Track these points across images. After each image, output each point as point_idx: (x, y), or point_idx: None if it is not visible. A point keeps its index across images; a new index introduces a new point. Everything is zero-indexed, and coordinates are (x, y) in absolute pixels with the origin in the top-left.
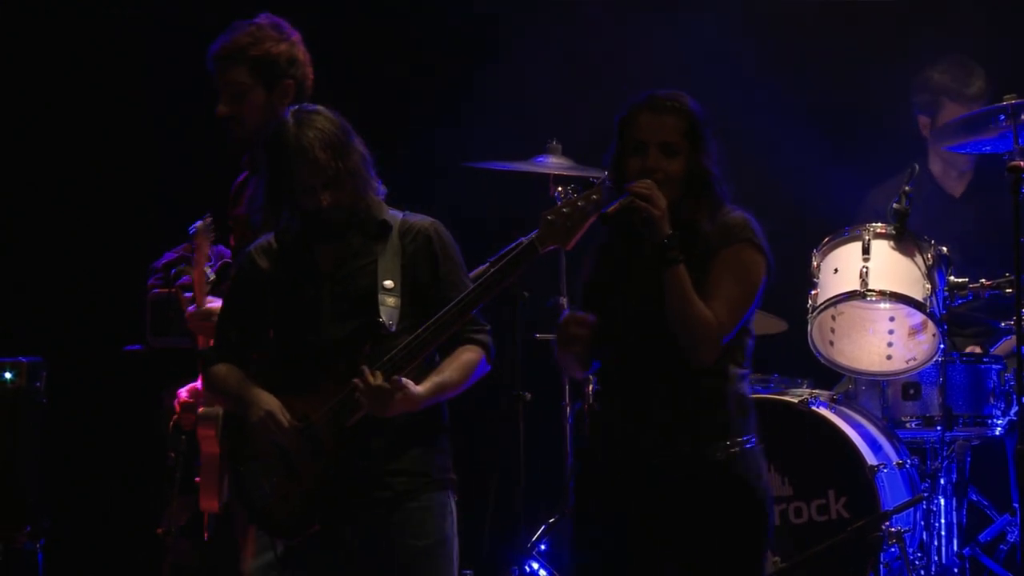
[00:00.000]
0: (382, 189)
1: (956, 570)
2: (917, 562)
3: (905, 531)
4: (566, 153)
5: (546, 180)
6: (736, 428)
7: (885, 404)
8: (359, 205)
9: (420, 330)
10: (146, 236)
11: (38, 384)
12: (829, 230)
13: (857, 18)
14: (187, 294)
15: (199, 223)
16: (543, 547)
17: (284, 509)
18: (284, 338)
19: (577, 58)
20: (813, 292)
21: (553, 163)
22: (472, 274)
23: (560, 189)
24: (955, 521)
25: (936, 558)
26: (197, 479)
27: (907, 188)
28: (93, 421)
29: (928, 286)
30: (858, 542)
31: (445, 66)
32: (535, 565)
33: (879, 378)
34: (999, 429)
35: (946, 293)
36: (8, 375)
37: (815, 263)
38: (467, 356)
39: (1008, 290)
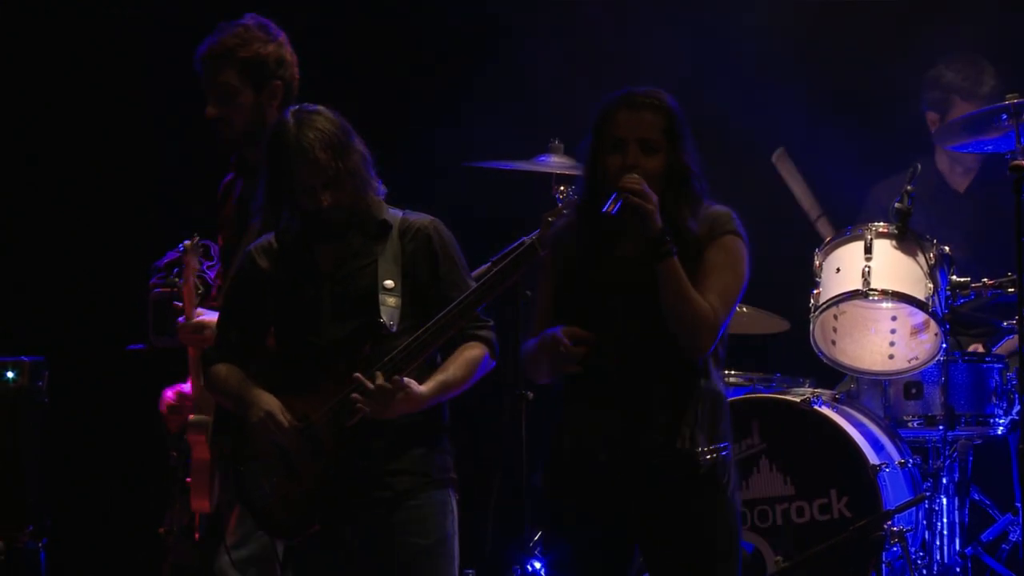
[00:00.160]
0: (382, 189)
1: (958, 569)
2: (919, 561)
3: (907, 530)
4: (568, 153)
5: (548, 180)
6: (722, 431)
7: (887, 403)
8: (359, 205)
9: (421, 331)
10: (147, 236)
11: (40, 384)
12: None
13: (860, 14)
14: (177, 303)
15: (187, 242)
16: None
17: (284, 509)
18: (284, 338)
19: (579, 57)
20: (815, 291)
21: (555, 163)
22: (474, 274)
23: (562, 189)
24: (957, 520)
25: (938, 557)
26: (188, 479)
27: (909, 187)
28: (95, 421)
29: (930, 285)
30: (860, 541)
31: (446, 65)
32: (537, 565)
33: (881, 377)
34: (1001, 428)
35: (948, 292)
36: (10, 374)
37: (817, 262)
38: (470, 353)
39: (1010, 289)
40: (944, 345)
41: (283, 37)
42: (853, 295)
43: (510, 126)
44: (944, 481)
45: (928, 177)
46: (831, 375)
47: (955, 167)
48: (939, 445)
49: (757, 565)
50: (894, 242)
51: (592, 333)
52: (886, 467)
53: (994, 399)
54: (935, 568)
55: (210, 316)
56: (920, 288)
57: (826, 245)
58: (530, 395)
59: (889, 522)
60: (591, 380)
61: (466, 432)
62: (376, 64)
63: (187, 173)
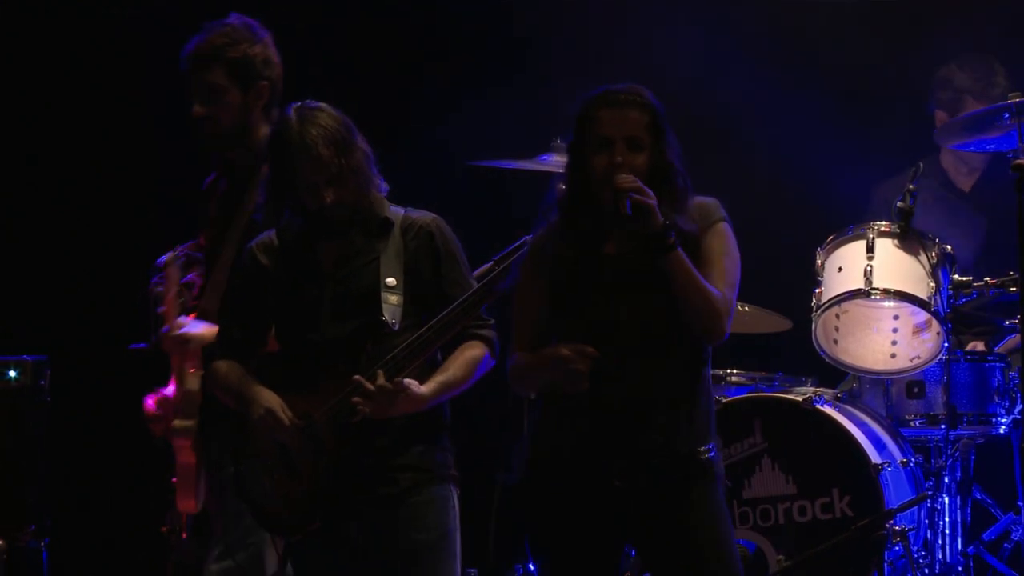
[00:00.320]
0: (384, 186)
1: (960, 568)
2: (921, 560)
3: (909, 529)
4: None
5: (550, 179)
6: (714, 430)
7: (889, 402)
8: (362, 203)
9: (423, 329)
10: (147, 236)
11: (42, 383)
12: (833, 228)
13: (864, 12)
14: (160, 308)
15: (168, 255)
16: None
17: (285, 507)
18: (285, 336)
19: (582, 56)
20: (817, 290)
21: (558, 162)
22: (476, 272)
23: (562, 187)
24: (959, 519)
25: (940, 556)
26: (174, 479)
27: (911, 187)
28: (97, 420)
29: (932, 284)
30: (862, 540)
31: (448, 64)
32: None
33: (883, 376)
34: (1003, 427)
35: (950, 291)
36: (12, 373)
37: (819, 261)
38: (471, 353)
39: (1012, 288)
40: (946, 344)
41: (268, 38)
42: (855, 294)
43: (513, 125)
44: (946, 480)
45: (933, 177)
46: (833, 374)
47: (960, 167)
48: (941, 444)
49: (759, 564)
50: (896, 241)
51: (595, 349)
52: (888, 466)
53: (996, 398)
54: (937, 567)
55: (195, 328)
56: (922, 287)
57: (828, 244)
58: (532, 394)
59: (891, 521)
60: (589, 381)
61: (467, 431)
62: (378, 62)
63: (187, 173)
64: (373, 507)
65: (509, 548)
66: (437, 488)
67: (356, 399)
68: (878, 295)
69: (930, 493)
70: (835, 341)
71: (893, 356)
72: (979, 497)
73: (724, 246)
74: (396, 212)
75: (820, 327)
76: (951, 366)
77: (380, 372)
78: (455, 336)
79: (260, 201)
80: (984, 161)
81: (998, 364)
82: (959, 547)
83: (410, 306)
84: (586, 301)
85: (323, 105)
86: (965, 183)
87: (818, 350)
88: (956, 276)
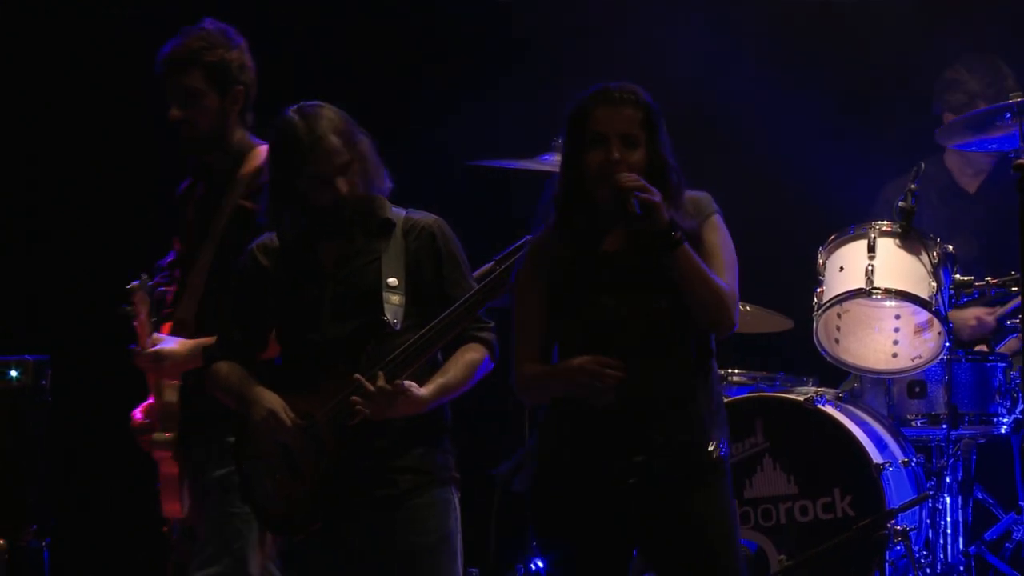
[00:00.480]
0: (389, 183)
1: (961, 568)
2: (922, 560)
3: (911, 529)
4: None
5: (551, 179)
6: (720, 428)
7: (891, 402)
8: (370, 196)
9: (425, 330)
10: (147, 236)
11: (43, 382)
12: (834, 228)
13: (867, 11)
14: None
15: (136, 282)
16: None
17: (287, 507)
18: (286, 337)
19: (582, 55)
20: (819, 290)
21: (558, 162)
22: (477, 273)
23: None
24: (960, 519)
25: (941, 556)
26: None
27: (913, 186)
28: (98, 420)
29: (934, 284)
30: (864, 540)
31: (448, 64)
32: (540, 564)
33: (884, 376)
34: (1005, 427)
35: (952, 291)
36: (13, 373)
37: (821, 261)
38: (471, 356)
39: (1014, 288)
40: (947, 344)
41: (243, 44)
42: (857, 294)
43: (512, 125)
44: (947, 480)
45: (937, 177)
46: (835, 374)
47: (965, 168)
48: (942, 444)
49: (761, 564)
50: (897, 240)
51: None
52: (889, 466)
53: (998, 398)
54: (938, 567)
55: (169, 344)
56: (924, 287)
57: (829, 243)
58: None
59: (892, 521)
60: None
61: (467, 432)
62: (377, 63)
63: (187, 173)
64: (371, 509)
65: (509, 548)
66: (438, 491)
67: (355, 399)
68: (879, 295)
69: (931, 493)
70: (836, 341)
71: (894, 356)
72: (980, 497)
73: (722, 238)
74: (397, 213)
75: (821, 327)
76: (952, 366)
77: (380, 374)
78: (455, 338)
79: (262, 206)
80: (991, 162)
81: (999, 364)
82: (960, 547)
83: (411, 307)
84: (584, 301)
85: (321, 103)
86: (971, 184)
87: (819, 350)
88: (958, 276)
